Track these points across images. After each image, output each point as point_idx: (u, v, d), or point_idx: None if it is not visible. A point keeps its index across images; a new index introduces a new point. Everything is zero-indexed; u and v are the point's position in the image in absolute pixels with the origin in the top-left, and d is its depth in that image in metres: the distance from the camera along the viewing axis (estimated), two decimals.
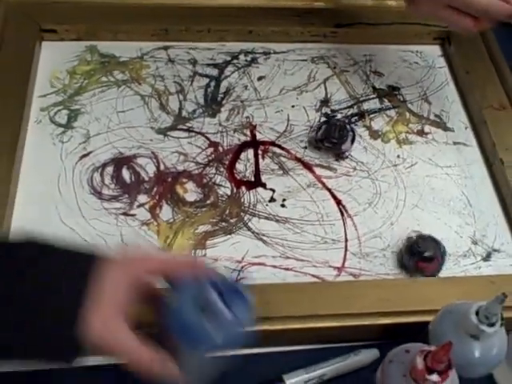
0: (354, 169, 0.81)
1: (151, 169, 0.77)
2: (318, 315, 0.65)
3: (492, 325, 0.55)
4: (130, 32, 0.89)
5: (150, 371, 0.49)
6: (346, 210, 0.77)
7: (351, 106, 0.87)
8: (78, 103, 0.82)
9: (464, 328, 0.56)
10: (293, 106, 0.86)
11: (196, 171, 0.78)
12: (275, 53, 0.92)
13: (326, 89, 0.89)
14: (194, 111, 0.84)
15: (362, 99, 0.88)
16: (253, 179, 0.78)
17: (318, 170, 0.80)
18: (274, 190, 0.77)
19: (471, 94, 0.88)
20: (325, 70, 0.91)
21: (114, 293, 0.48)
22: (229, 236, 0.73)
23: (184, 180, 0.77)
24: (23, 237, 0.50)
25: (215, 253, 0.71)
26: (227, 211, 0.75)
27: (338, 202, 0.77)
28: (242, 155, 0.80)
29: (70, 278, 0.48)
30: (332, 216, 0.76)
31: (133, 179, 0.76)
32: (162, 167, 0.78)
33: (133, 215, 0.73)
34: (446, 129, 0.86)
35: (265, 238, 0.73)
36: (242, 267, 0.71)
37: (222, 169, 0.79)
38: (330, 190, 0.78)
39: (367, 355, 0.66)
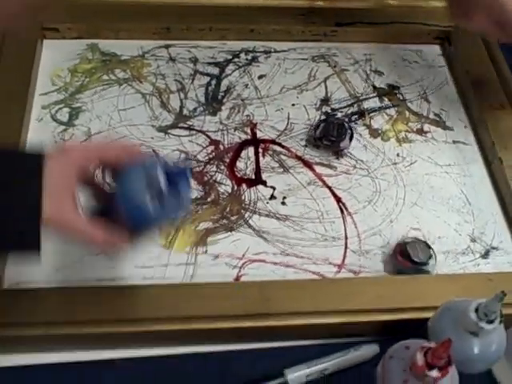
0: (354, 167, 0.81)
1: None
2: (319, 311, 0.66)
3: (491, 322, 0.55)
4: (132, 30, 0.90)
5: (102, 247, 0.58)
6: (346, 208, 0.77)
7: (351, 105, 0.88)
8: (80, 101, 0.83)
9: (463, 325, 0.57)
10: (293, 105, 0.86)
11: (197, 169, 0.78)
12: (276, 51, 0.92)
13: (326, 87, 0.89)
14: (195, 109, 0.84)
15: (362, 98, 0.89)
16: (253, 177, 0.79)
17: (318, 168, 0.80)
18: (274, 188, 0.78)
19: (470, 94, 0.88)
20: (325, 69, 0.91)
21: (64, 184, 0.53)
22: (229, 233, 0.73)
23: None
24: None
25: (216, 250, 0.72)
26: (228, 209, 0.75)
27: (338, 200, 0.78)
28: (243, 153, 0.81)
29: (24, 175, 0.52)
30: (332, 214, 0.77)
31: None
32: None
33: None
34: (445, 128, 0.87)
35: (265, 235, 0.74)
36: (243, 264, 0.71)
37: (222, 167, 0.79)
38: (330, 188, 0.79)
39: (368, 350, 0.67)
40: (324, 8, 0.94)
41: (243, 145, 0.82)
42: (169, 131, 0.81)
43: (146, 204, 0.54)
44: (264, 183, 0.78)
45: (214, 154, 0.80)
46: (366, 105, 0.88)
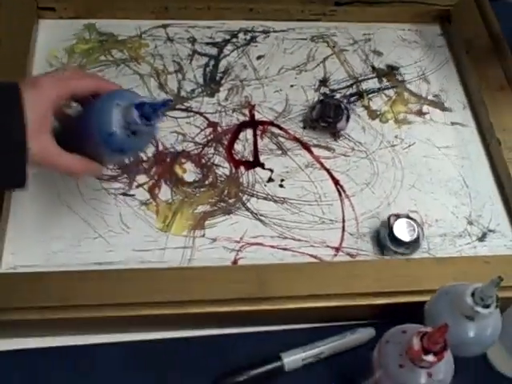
0: (352, 149, 0.81)
1: (150, 149, 0.77)
2: (316, 295, 0.66)
3: (487, 306, 0.55)
4: (129, 10, 0.89)
5: (80, 174, 0.62)
6: (344, 191, 0.77)
7: (350, 86, 0.87)
8: None
9: (459, 309, 0.57)
10: (292, 86, 0.86)
11: (195, 151, 0.78)
12: (275, 31, 0.91)
13: (325, 68, 0.88)
14: (193, 91, 0.84)
15: (360, 79, 0.88)
16: (251, 159, 0.78)
17: (316, 151, 0.80)
18: (272, 170, 0.78)
19: (470, 74, 0.88)
20: (324, 49, 0.90)
21: (42, 121, 0.56)
22: (227, 216, 0.74)
23: (183, 160, 0.77)
24: None
25: (214, 233, 0.72)
26: (226, 191, 0.75)
27: (336, 183, 0.78)
28: (241, 135, 0.80)
29: (4, 109, 0.54)
30: (330, 196, 0.77)
31: (131, 159, 0.76)
32: (160, 147, 0.78)
33: (132, 195, 0.74)
34: (444, 109, 0.86)
35: (263, 218, 0.74)
36: (241, 247, 0.71)
37: (220, 149, 0.79)
38: (328, 171, 0.79)
39: (363, 334, 0.67)
40: None
41: (241, 126, 0.81)
42: (166, 113, 0.81)
43: (116, 134, 0.57)
44: (262, 166, 0.78)
45: (211, 136, 0.80)
46: (365, 86, 0.87)
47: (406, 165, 0.80)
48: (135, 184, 0.74)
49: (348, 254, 0.72)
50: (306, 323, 0.68)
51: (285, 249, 0.72)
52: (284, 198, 0.76)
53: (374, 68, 0.89)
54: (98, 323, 0.64)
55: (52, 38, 0.85)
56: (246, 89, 0.85)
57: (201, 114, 0.82)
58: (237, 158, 0.78)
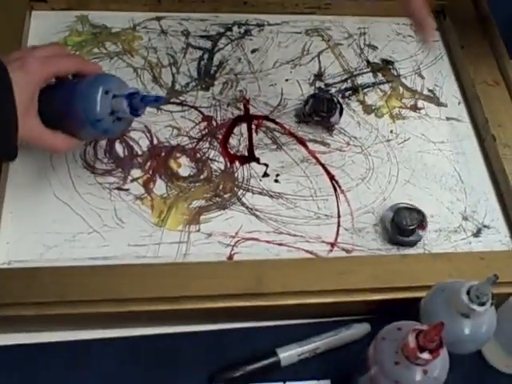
0: (348, 144, 0.81)
1: (144, 143, 0.77)
2: (311, 291, 0.66)
3: (482, 304, 0.56)
4: (122, 1, 0.88)
5: (63, 151, 0.67)
6: (339, 186, 0.77)
7: (345, 80, 0.87)
8: None
9: (455, 306, 0.57)
10: (286, 80, 0.86)
11: (189, 146, 0.78)
12: (269, 24, 0.91)
13: (319, 62, 0.88)
14: (187, 84, 0.83)
15: (355, 73, 0.88)
16: (246, 154, 0.78)
17: (311, 145, 0.80)
18: (267, 165, 0.77)
19: (465, 69, 0.88)
20: (319, 43, 0.90)
21: (28, 102, 0.59)
22: (222, 211, 0.73)
23: (177, 155, 0.77)
24: None
25: (209, 228, 0.72)
26: (221, 186, 0.75)
27: (331, 178, 0.78)
28: (236, 129, 0.80)
29: None
30: (325, 191, 0.77)
31: (126, 153, 0.76)
32: (155, 141, 0.77)
33: (126, 190, 0.73)
34: (439, 104, 0.86)
35: (258, 213, 0.74)
36: (236, 242, 0.71)
37: (215, 143, 0.78)
38: (323, 165, 0.79)
39: (359, 329, 0.68)
40: None
41: (236, 121, 0.81)
42: (161, 107, 0.80)
43: (104, 120, 0.60)
44: (257, 160, 0.78)
45: (206, 130, 0.79)
46: (360, 80, 0.87)
47: (401, 160, 0.80)
48: (130, 178, 0.74)
49: (343, 250, 0.72)
50: (302, 319, 0.68)
51: (280, 244, 0.72)
52: (279, 193, 0.75)
53: (368, 62, 0.89)
54: (93, 319, 0.64)
55: (44, 29, 0.84)
56: (241, 83, 0.84)
57: (195, 107, 0.81)
58: (232, 152, 0.78)
